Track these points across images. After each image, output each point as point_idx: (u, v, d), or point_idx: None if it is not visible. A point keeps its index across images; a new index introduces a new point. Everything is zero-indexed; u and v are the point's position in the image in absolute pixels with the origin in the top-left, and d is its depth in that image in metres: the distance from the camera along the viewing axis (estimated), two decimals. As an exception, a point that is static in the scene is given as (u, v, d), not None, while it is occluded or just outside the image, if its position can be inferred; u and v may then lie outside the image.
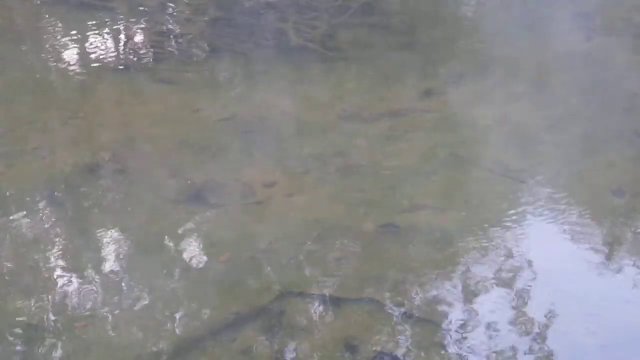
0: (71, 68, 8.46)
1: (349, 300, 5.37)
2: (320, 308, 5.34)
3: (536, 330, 5.15)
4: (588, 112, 7.35)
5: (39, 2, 9.85)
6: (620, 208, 6.16)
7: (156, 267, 5.75)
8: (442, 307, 5.30)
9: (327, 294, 5.43)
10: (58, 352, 5.12)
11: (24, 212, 6.29)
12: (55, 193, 6.47)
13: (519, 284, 5.47)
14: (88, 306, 5.42)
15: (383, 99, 7.57)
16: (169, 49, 8.84)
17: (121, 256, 5.86)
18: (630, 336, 5.10)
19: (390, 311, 5.28)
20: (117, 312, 5.37)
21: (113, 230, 6.08)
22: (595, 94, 7.64)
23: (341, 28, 9.00)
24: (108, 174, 6.71)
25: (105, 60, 8.52)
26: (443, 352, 5.02)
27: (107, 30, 9.11)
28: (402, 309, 5.29)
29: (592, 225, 5.99)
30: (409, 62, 8.22)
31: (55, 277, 5.69)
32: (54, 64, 8.66)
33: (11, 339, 5.20)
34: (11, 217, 6.25)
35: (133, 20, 9.40)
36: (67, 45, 8.97)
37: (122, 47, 8.80)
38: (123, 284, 5.61)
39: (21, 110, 7.59)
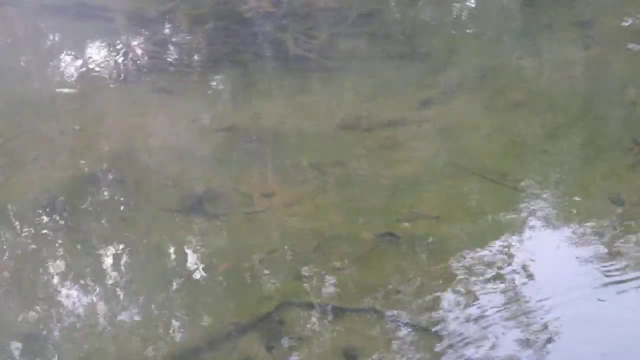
0: (70, 78, 8.46)
1: (348, 310, 5.37)
2: (320, 318, 5.34)
3: (536, 339, 5.14)
4: (587, 121, 7.35)
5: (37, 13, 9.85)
6: (619, 216, 6.15)
7: (155, 277, 5.75)
8: (442, 317, 5.29)
9: (326, 304, 5.43)
10: (57, 363, 5.13)
11: (23, 223, 6.29)
12: (55, 203, 6.47)
13: (518, 293, 5.46)
14: (87, 316, 5.42)
15: (382, 108, 7.57)
16: (168, 59, 8.85)
17: (120, 266, 5.85)
18: (630, 345, 5.09)
19: (390, 321, 5.28)
20: (116, 322, 5.37)
21: (112, 241, 6.08)
22: (593, 102, 7.64)
23: (340, 37, 9.01)
24: (107, 184, 6.71)
25: (104, 71, 8.53)
26: (443, 361, 5.02)
27: (106, 40, 9.12)
28: (402, 319, 5.29)
29: (592, 234, 5.98)
30: (408, 71, 8.22)
31: (54, 287, 5.68)
32: (53, 74, 8.66)
33: (10, 349, 5.19)
34: (10, 228, 6.24)
35: (132, 30, 9.41)
36: (66, 55, 8.98)
37: (121, 57, 8.80)
38: (122, 294, 5.61)
39: (20, 121, 7.59)
